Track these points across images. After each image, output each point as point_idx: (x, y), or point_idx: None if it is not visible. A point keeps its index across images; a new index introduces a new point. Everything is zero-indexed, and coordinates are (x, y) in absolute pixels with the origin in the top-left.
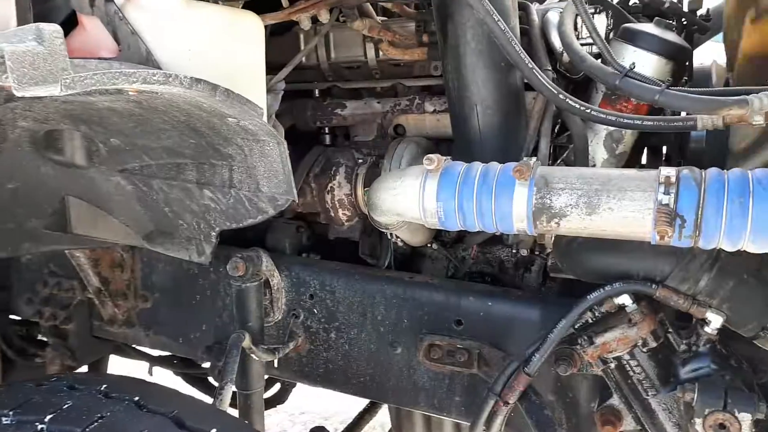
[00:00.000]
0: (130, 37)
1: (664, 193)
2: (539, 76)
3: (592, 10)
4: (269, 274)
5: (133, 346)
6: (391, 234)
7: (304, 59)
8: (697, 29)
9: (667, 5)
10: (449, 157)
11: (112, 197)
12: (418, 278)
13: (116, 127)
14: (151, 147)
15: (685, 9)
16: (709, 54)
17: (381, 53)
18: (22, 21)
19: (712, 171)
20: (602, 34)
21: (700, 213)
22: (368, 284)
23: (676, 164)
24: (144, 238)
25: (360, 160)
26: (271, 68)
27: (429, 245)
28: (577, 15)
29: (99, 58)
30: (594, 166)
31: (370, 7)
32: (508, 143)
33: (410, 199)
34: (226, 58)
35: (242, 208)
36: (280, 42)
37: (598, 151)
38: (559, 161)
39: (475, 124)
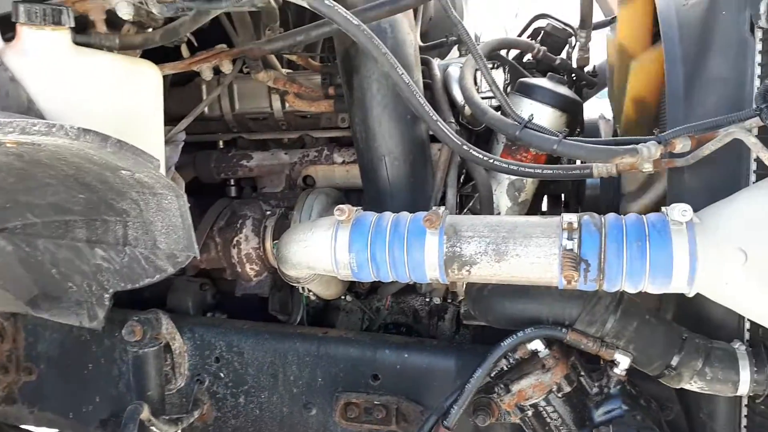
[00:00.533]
0: (9, 83)
1: (567, 239)
2: (443, 128)
3: (491, 65)
4: (170, 337)
5: (16, 425)
6: (302, 288)
7: (207, 110)
8: (585, 84)
9: (558, 62)
10: (360, 208)
11: None
12: (332, 333)
13: None
14: (35, 204)
15: (574, 65)
16: (596, 109)
17: (287, 105)
18: None
19: (611, 216)
20: (501, 87)
21: (602, 257)
22: (279, 343)
23: (575, 210)
24: (27, 304)
25: (268, 212)
26: (173, 119)
27: (342, 297)
28: (476, 70)
29: None
30: (499, 214)
31: (275, 59)
32: (416, 193)
33: (322, 251)
34: (120, 108)
35: (138, 267)
36: (181, 93)
37: (501, 199)
38: (465, 210)
39: (384, 174)
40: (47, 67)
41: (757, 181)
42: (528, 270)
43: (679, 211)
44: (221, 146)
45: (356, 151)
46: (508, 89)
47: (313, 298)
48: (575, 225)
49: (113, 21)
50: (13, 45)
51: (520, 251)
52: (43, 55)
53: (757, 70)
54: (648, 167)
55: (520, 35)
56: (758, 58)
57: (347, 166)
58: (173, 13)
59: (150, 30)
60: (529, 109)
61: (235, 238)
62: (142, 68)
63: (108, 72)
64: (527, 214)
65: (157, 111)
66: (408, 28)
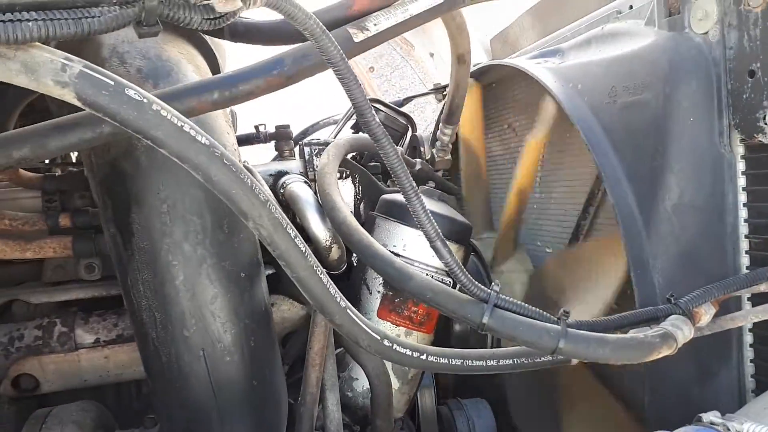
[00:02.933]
0: None
1: None
2: (355, 318)
3: (338, 176)
4: None
5: None
6: None
7: None
8: (450, 192)
9: (418, 167)
10: None
11: None
12: None
13: None
14: None
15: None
16: None
17: None
18: None
19: None
20: (350, 204)
21: None
22: None
23: None
24: None
25: None
26: None
27: None
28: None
29: None
30: None
31: None
32: (263, 404)
33: None
34: None
35: None
36: None
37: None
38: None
39: (205, 379)
40: None
41: (755, 343)
42: None
43: None
44: None
45: (140, 343)
46: (362, 206)
47: None
48: None
49: None
50: None
51: None
52: None
53: (742, 197)
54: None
55: (340, 127)
56: (742, 181)
57: (107, 348)
58: None
59: None
60: (415, 243)
61: None
62: None
63: None
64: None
65: None
66: (226, 126)
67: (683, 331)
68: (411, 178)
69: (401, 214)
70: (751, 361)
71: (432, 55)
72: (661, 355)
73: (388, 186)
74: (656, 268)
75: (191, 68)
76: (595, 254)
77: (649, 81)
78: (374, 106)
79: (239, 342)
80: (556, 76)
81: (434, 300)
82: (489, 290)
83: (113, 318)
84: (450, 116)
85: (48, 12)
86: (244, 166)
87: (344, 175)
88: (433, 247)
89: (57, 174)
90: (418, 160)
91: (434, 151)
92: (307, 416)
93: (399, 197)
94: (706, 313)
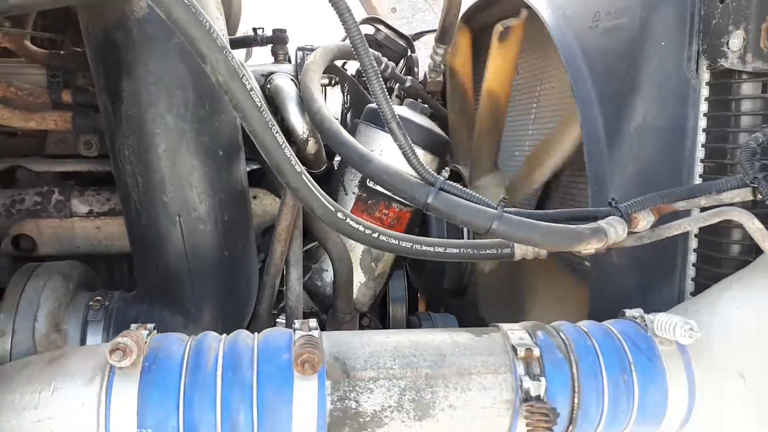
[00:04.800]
0: None
1: (530, 377)
2: (310, 186)
3: (327, 82)
4: None
5: None
6: None
7: None
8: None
9: (408, 84)
10: (153, 328)
11: None
12: None
13: None
14: None
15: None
16: None
17: None
18: None
19: (570, 331)
20: (338, 111)
21: (575, 401)
22: None
23: None
24: None
25: None
26: None
27: None
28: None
29: None
30: None
31: None
32: (233, 274)
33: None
34: None
35: None
36: None
37: (354, 273)
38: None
39: (179, 244)
40: None
41: (698, 262)
42: (468, 430)
43: (682, 329)
44: None
45: (124, 205)
46: (348, 115)
47: None
48: (535, 351)
49: None
50: None
51: (454, 400)
52: None
53: (702, 122)
54: (601, 249)
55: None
56: (704, 107)
57: (99, 219)
58: None
59: None
60: (390, 147)
61: None
62: None
63: None
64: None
65: None
66: (216, 12)
67: (616, 230)
68: (381, 80)
69: (380, 122)
70: (693, 264)
71: None
72: (590, 246)
73: None
74: (613, 185)
75: None
76: None
77: (629, 5)
78: (374, 26)
79: (213, 213)
80: (547, 2)
81: (388, 181)
82: (437, 176)
83: (107, 193)
84: (442, 35)
85: None
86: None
87: (333, 82)
88: (389, 129)
89: (62, 52)
90: (409, 77)
91: (426, 71)
92: (269, 285)
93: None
94: (643, 219)
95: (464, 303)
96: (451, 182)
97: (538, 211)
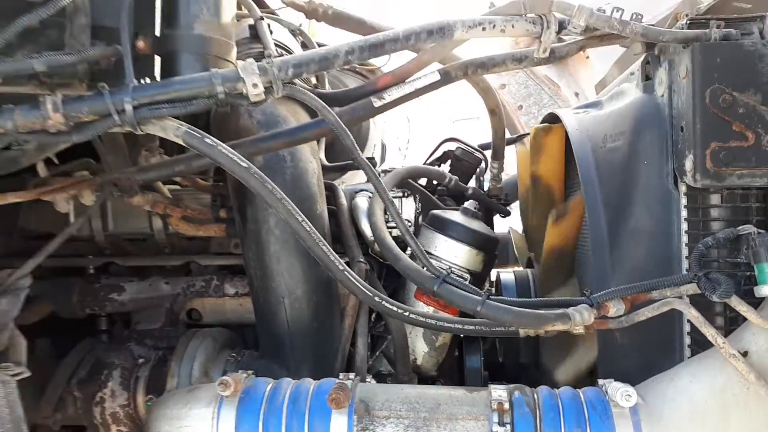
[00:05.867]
0: None
1: (499, 425)
2: (352, 279)
3: (400, 194)
4: None
5: None
6: None
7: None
8: (499, 213)
9: (470, 191)
10: (251, 373)
11: None
12: None
13: None
14: None
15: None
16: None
17: (171, 227)
18: None
19: (544, 392)
20: (411, 217)
21: None
22: None
23: None
24: None
25: (141, 359)
26: (32, 238)
27: None
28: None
29: None
30: (415, 359)
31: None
32: (321, 342)
33: None
34: None
35: None
36: (42, 208)
37: (417, 343)
38: (378, 353)
39: (283, 319)
40: None
41: (692, 344)
42: None
43: (622, 395)
44: (91, 272)
45: (250, 289)
46: (420, 219)
47: None
48: (506, 405)
49: None
50: None
51: None
52: None
53: (684, 225)
54: (579, 330)
55: (429, 159)
56: (684, 213)
57: (241, 298)
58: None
59: None
60: (443, 246)
61: (99, 394)
62: None
63: None
64: (445, 359)
65: None
66: (310, 156)
67: (582, 314)
68: (375, 173)
69: (436, 225)
70: (688, 346)
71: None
72: (556, 328)
73: (448, 206)
74: (613, 278)
75: (293, 120)
76: None
77: (623, 130)
78: (455, 142)
79: (306, 296)
80: (578, 123)
81: (410, 275)
82: (442, 271)
83: (245, 279)
84: (495, 153)
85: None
86: (327, 184)
87: (406, 194)
88: (406, 241)
89: (220, 183)
90: (471, 186)
91: (487, 180)
92: (341, 350)
93: (439, 213)
94: (614, 307)
95: (541, 373)
96: (452, 275)
97: (521, 299)
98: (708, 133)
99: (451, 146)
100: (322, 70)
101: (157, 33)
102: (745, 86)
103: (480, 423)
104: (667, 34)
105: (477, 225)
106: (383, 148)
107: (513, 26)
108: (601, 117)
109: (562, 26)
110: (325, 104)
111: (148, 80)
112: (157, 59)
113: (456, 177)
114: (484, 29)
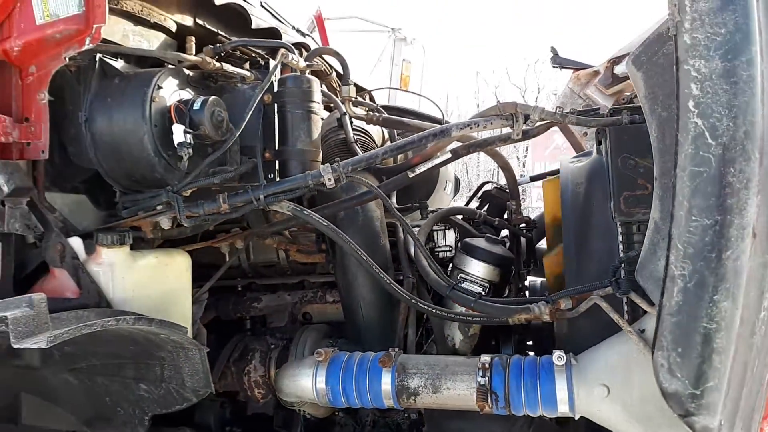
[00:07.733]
0: (89, 284)
1: (481, 376)
2: (398, 291)
3: (443, 227)
4: None
5: None
6: (298, 409)
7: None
8: (522, 237)
9: (497, 222)
10: (336, 348)
11: (60, 391)
12: None
13: (71, 339)
14: (97, 351)
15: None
16: None
17: (290, 256)
18: (6, 269)
19: (515, 358)
20: (453, 243)
21: (507, 390)
22: None
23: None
24: (85, 424)
25: (273, 345)
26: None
27: (336, 413)
28: (432, 231)
29: (65, 298)
30: (454, 345)
31: None
32: (386, 331)
33: (306, 385)
34: (160, 288)
35: (171, 398)
36: (208, 249)
37: (456, 334)
38: (429, 340)
39: (360, 316)
40: (114, 271)
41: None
42: (456, 399)
43: (557, 357)
44: (239, 288)
45: (339, 296)
46: (458, 245)
47: (308, 416)
48: (487, 365)
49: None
50: (92, 258)
51: (450, 385)
52: (111, 262)
53: (621, 246)
54: (546, 318)
55: (471, 197)
56: (621, 238)
57: (337, 304)
58: (198, 222)
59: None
60: (471, 264)
61: (246, 368)
62: (176, 257)
63: (153, 264)
64: (477, 345)
65: (186, 285)
66: (374, 206)
67: (540, 308)
68: (407, 222)
69: (466, 249)
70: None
71: None
72: (520, 317)
73: (483, 233)
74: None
75: (364, 185)
76: None
77: (582, 181)
78: (492, 184)
79: (374, 301)
80: (568, 171)
81: (434, 285)
82: (452, 281)
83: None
84: (512, 194)
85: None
86: (389, 223)
87: (446, 227)
88: (416, 261)
89: None
90: (497, 219)
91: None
92: (397, 336)
93: (468, 240)
94: (563, 303)
95: None
96: (459, 285)
97: (498, 298)
98: (622, 186)
99: (488, 187)
100: (370, 166)
101: (276, 147)
102: (644, 154)
103: (471, 376)
104: (593, 121)
105: (496, 248)
106: (456, 180)
107: (492, 123)
108: (579, 167)
109: (527, 117)
110: (371, 184)
111: (272, 176)
112: (277, 164)
113: (485, 213)
114: (471, 128)
